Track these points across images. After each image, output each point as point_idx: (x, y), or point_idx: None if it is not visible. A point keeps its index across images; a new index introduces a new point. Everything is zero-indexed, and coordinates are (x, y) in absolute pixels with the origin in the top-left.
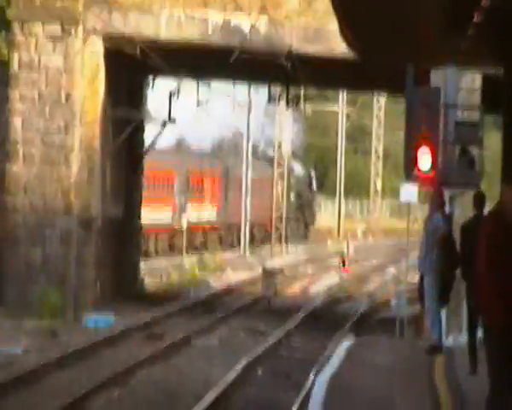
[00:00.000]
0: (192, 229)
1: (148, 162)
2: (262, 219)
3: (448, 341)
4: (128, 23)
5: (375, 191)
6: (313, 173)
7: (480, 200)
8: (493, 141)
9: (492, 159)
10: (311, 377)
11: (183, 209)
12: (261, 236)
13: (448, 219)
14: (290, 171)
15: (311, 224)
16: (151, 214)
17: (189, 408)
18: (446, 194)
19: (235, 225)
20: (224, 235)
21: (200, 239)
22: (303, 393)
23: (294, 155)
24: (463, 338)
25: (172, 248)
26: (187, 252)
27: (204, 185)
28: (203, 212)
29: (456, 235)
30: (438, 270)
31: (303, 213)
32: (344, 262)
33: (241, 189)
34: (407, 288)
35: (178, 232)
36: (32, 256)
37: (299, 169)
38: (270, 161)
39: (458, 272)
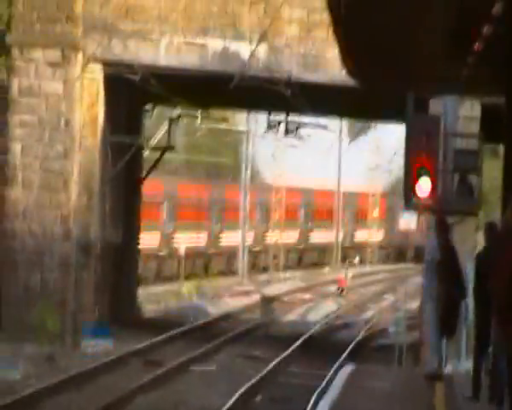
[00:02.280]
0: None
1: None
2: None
3: (447, 368)
4: (127, 49)
5: (372, 219)
6: None
7: (491, 230)
8: (489, 169)
9: (489, 186)
10: (311, 404)
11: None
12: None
13: (450, 246)
14: None
15: None
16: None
17: None
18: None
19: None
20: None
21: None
22: None
23: None
24: (462, 365)
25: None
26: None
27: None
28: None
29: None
30: (438, 298)
31: None
32: (343, 290)
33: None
34: (405, 315)
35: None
36: (30, 281)
37: None
38: None
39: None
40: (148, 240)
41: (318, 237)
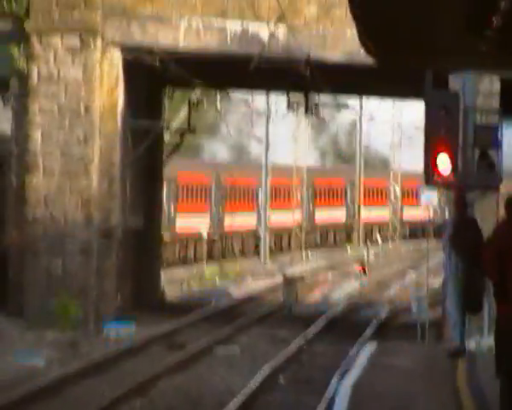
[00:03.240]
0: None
1: None
2: None
3: (470, 344)
4: (146, 33)
5: (395, 196)
6: None
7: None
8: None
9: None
10: (334, 382)
11: None
12: None
13: (470, 222)
14: None
15: None
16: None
17: None
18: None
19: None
20: None
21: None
22: (326, 399)
23: None
24: (485, 341)
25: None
26: None
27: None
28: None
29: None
30: (458, 275)
31: None
32: (364, 270)
33: None
34: (428, 292)
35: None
36: (52, 268)
37: None
38: None
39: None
40: None
41: (334, 216)
